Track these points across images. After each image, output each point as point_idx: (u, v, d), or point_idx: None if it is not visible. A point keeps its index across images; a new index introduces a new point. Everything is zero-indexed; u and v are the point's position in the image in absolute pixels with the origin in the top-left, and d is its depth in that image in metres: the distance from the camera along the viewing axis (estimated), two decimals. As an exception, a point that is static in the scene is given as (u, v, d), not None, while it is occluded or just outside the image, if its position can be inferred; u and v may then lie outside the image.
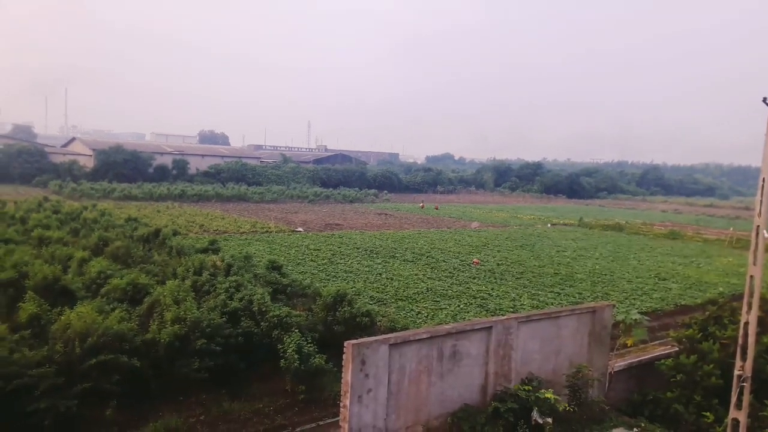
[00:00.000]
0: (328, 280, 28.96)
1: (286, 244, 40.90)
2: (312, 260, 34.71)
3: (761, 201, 10.68)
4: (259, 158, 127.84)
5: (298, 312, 19.29)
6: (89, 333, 14.40)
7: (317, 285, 24.90)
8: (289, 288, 22.79)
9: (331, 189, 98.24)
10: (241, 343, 16.78)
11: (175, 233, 34.91)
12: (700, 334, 16.13)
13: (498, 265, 37.24)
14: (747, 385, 11.16)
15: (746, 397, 11.28)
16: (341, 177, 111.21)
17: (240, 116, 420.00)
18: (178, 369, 15.23)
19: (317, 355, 15.92)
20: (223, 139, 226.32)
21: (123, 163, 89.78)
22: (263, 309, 18.16)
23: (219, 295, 19.25)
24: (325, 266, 32.98)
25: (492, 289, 29.81)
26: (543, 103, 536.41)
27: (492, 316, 22.93)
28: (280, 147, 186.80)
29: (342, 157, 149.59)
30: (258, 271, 24.49)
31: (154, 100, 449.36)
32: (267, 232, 47.59)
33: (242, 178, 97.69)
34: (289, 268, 30.32)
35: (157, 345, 15.42)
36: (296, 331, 16.92)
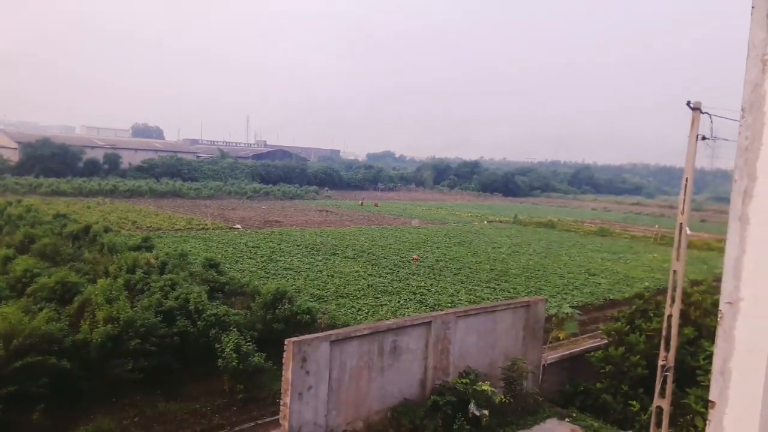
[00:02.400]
0: (268, 277, 28.57)
1: (223, 241, 40.17)
2: (251, 258, 34.22)
3: (684, 199, 11.28)
4: (196, 153, 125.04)
5: (236, 311, 19.02)
6: (14, 334, 13.71)
7: (256, 283, 24.57)
8: (226, 286, 22.42)
9: (270, 185, 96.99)
10: (176, 343, 16.43)
11: (107, 230, 33.78)
12: (628, 326, 16.89)
13: (437, 261, 37.76)
14: (670, 375, 11.78)
15: (669, 386, 11.90)
16: (281, 173, 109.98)
17: (175, 110, 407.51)
18: (111, 370, 14.76)
19: (256, 354, 15.77)
20: (158, 133, 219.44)
21: (51, 156, 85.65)
22: (200, 308, 17.79)
23: (153, 294, 18.74)
24: (265, 264, 32.58)
25: (431, 284, 30.20)
26: (490, 104, 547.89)
27: (431, 311, 23.23)
28: (217, 142, 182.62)
29: (282, 152, 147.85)
30: (194, 269, 23.96)
31: (86, 92, 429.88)
32: (203, 229, 46.64)
33: (177, 173, 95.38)
34: (227, 266, 29.76)
35: (89, 345, 14.89)
36: (234, 329, 16.69)
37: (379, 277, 31.12)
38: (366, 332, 12.40)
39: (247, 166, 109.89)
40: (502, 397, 14.17)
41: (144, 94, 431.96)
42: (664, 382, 12.01)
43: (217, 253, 33.35)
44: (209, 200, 77.87)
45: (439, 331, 13.79)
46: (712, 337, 15.30)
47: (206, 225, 48.62)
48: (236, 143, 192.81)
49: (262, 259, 33.92)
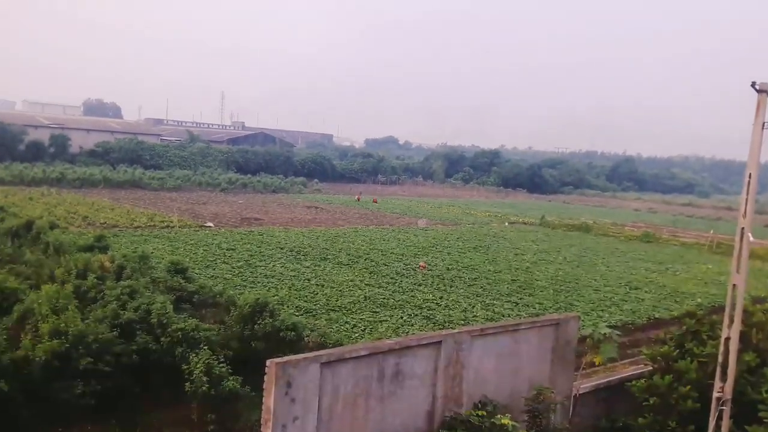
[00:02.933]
0: (245, 286, 28.68)
1: (192, 242, 40.26)
2: (225, 262, 34.32)
3: (746, 200, 11.31)
4: (160, 135, 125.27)
5: (207, 325, 19.05)
6: (-60, 350, 13.74)
7: (231, 292, 24.65)
8: (196, 296, 22.48)
9: (249, 175, 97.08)
10: (136, 363, 16.46)
11: (53, 226, 33.83)
12: (676, 351, 16.85)
13: (448, 269, 37.83)
14: (727, 409, 11.81)
15: (725, 423, 11.93)
16: (262, 161, 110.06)
17: (136, 84, 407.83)
18: (57, 393, 14.79)
19: (231, 377, 15.77)
20: (115, 111, 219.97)
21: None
22: (164, 321, 17.84)
23: (108, 304, 18.78)
24: (242, 270, 32.68)
25: (441, 297, 30.27)
26: (513, 83, 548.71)
27: (441, 329, 23.27)
28: (185, 122, 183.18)
29: (263, 137, 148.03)
30: (157, 275, 24.02)
31: (29, 65, 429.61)
32: (168, 227, 46.77)
33: (138, 159, 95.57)
34: (197, 271, 29.87)
35: (31, 364, 14.93)
36: (205, 347, 16.69)
37: (379, 288, 31.17)
38: (363, 353, 12.39)
39: (222, 152, 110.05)
40: (525, 432, 14.21)
41: (100, 69, 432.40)
42: (720, 417, 12.05)
43: (185, 256, 33.42)
44: (175, 192, 78.03)
45: (450, 353, 13.79)
46: (777, 365, 15.35)
47: (172, 222, 48.70)
48: (208, 125, 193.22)
49: (239, 264, 34.01)
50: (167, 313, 18.23)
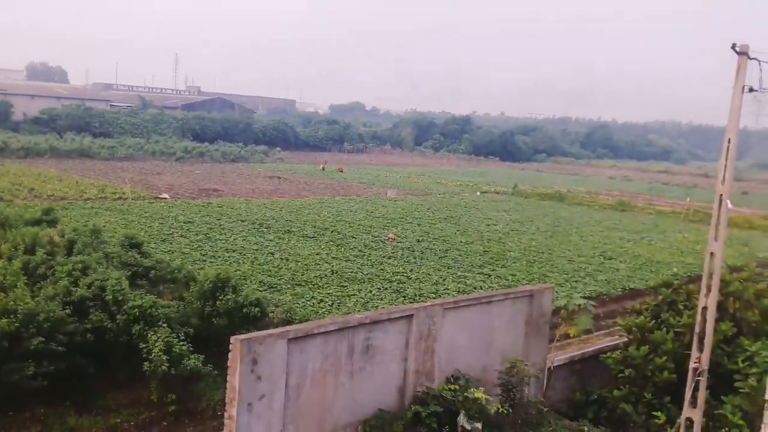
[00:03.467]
0: (205, 261, 28.61)
1: (147, 214, 39.89)
2: (183, 236, 34.14)
3: (725, 166, 11.52)
4: (109, 101, 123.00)
5: (165, 302, 18.94)
6: None
7: (190, 267, 24.49)
8: (153, 271, 22.24)
9: (206, 144, 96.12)
10: (90, 342, 16.31)
11: (-4, 199, 33.05)
12: (652, 321, 17.27)
13: (418, 241, 38.03)
14: (703, 380, 12.16)
15: (702, 394, 12.29)
16: (220, 128, 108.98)
17: (82, 46, 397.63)
18: (7, 376, 14.63)
19: (192, 356, 15.78)
20: (61, 75, 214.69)
21: None
22: (119, 298, 17.68)
23: (60, 281, 18.53)
24: (201, 244, 32.55)
25: (411, 270, 30.47)
26: (486, 46, 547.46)
27: (411, 303, 23.46)
28: (137, 87, 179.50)
29: (221, 102, 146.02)
30: (111, 250, 23.69)
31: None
32: (121, 198, 46.24)
33: (86, 127, 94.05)
34: (152, 245, 29.58)
35: (-23, 346, 14.68)
36: (164, 325, 16.65)
37: (346, 261, 31.27)
38: (332, 328, 12.50)
39: (176, 118, 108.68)
40: (499, 406, 14.46)
41: (42, 28, 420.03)
42: (696, 388, 12.39)
43: (140, 230, 33.07)
44: (127, 162, 77.08)
45: (422, 327, 13.96)
46: (753, 334, 15.84)
47: (124, 194, 48.12)
48: (162, 89, 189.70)
49: (198, 238, 33.86)
50: (123, 289, 18.05)
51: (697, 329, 12.45)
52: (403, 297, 25.79)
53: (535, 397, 15.79)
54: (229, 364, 11.15)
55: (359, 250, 34.13)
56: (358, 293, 25.76)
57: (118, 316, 17.17)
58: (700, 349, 12.28)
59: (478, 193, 69.14)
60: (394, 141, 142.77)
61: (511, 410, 14.75)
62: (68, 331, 15.99)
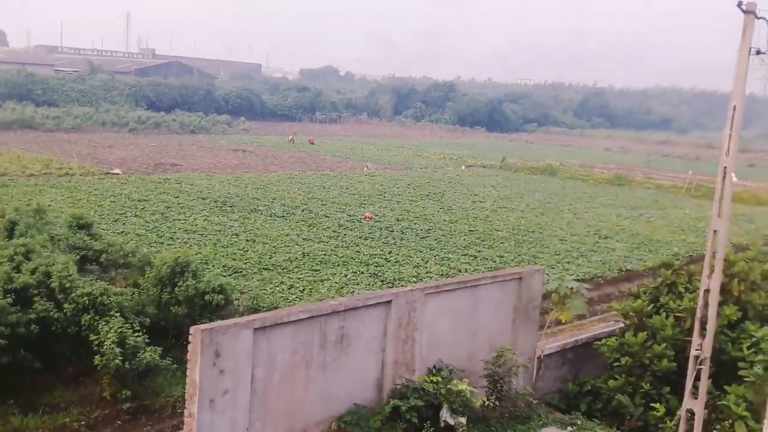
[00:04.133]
0: (162, 243, 28.42)
1: (97, 192, 39.52)
2: (137, 215, 33.90)
3: (730, 136, 11.58)
4: (53, 66, 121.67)
5: (118, 288, 18.77)
6: None
7: (146, 250, 24.26)
8: (104, 255, 22.03)
9: (162, 113, 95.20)
10: (35, 334, 16.13)
11: (-73, 176, 32.56)
12: (651, 306, 17.44)
13: (397, 220, 38.06)
14: (705, 368, 12.31)
15: (704, 383, 12.45)
16: (177, 96, 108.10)
17: (23, 6, 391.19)
18: (-59, 373, 14.46)
19: (148, 348, 15.70)
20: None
21: None
22: (67, 285, 17.48)
23: (0, 266, 18.30)
24: (157, 224, 32.35)
25: (390, 252, 30.51)
26: (471, 3, 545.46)
27: (390, 288, 23.51)
28: (85, 50, 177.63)
29: (178, 66, 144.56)
30: (57, 232, 23.45)
31: None
32: (67, 174, 45.70)
33: (28, 94, 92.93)
34: (104, 226, 29.33)
35: None
36: (117, 315, 16.51)
37: (319, 243, 31.22)
38: (303, 316, 12.45)
39: (129, 85, 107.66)
40: (485, 399, 14.56)
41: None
42: (697, 377, 12.55)
43: (89, 209, 32.71)
44: (75, 134, 76.25)
45: (401, 314, 13.97)
46: (760, 319, 16.06)
47: (71, 169, 47.55)
48: (112, 52, 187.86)
49: (154, 218, 33.65)
50: (70, 275, 17.84)
51: (698, 314, 12.58)
52: (382, 281, 25.81)
53: (523, 389, 15.91)
54: (188, 356, 11.08)
55: (333, 231, 34.08)
56: (332, 278, 25.73)
57: (66, 305, 16.97)
58: (702, 335, 12.42)
59: (463, 167, 69.23)
60: (371, 110, 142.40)
61: (497, 403, 14.85)
62: (10, 322, 15.76)
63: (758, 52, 11.35)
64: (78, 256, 20.80)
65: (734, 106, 11.56)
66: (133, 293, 18.94)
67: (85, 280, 18.25)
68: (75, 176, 45.15)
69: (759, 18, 11.18)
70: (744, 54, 11.37)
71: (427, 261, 29.50)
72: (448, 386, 13.86)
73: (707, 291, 12.38)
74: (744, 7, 11.24)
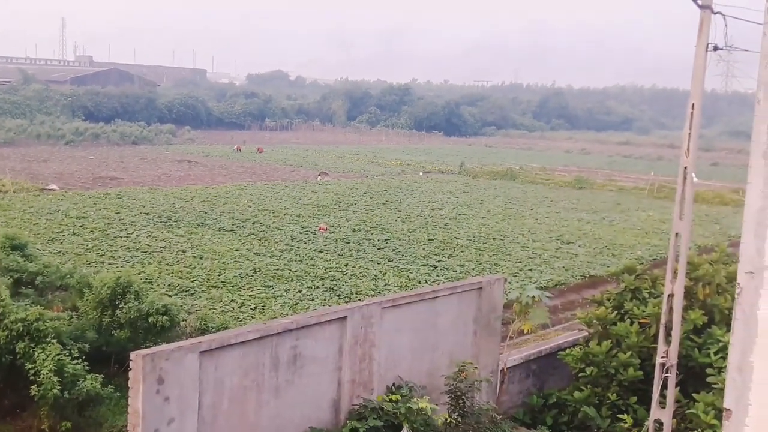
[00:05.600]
0: (102, 263, 28.21)
1: (32, 210, 39.03)
2: (76, 234, 33.61)
3: (689, 135, 11.73)
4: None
5: (55, 313, 18.45)
6: None
7: (85, 271, 24.00)
8: (39, 277, 21.68)
9: (101, 124, 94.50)
10: (-35, 364, 15.79)
11: None
12: (615, 313, 17.58)
13: (354, 231, 38.08)
14: (672, 376, 12.42)
15: (671, 392, 12.56)
16: (117, 105, 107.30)
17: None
18: None
19: (88, 376, 15.45)
20: None
21: None
22: (-1, 311, 17.16)
23: (-75, 292, 17.89)
24: (97, 242, 32.08)
25: (346, 265, 30.50)
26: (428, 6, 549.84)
27: (347, 302, 23.48)
28: (17, 59, 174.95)
29: (117, 74, 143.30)
30: (-12, 253, 23.03)
31: None
32: (0, 191, 44.87)
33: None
34: (39, 246, 28.94)
35: None
36: (54, 341, 16.20)
37: (271, 258, 31.09)
38: (252, 337, 12.32)
39: (65, 94, 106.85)
40: (447, 416, 14.54)
41: None
42: (664, 386, 12.67)
43: (23, 228, 32.27)
44: (7, 148, 75.47)
45: (357, 330, 13.91)
46: (727, 323, 16.27)
47: (4, 186, 46.85)
48: (47, 61, 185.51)
49: (93, 236, 33.35)
50: (3, 300, 17.53)
51: (663, 319, 12.70)
52: (338, 296, 25.80)
53: (487, 404, 15.91)
54: (130, 384, 10.89)
55: (286, 244, 33.99)
56: (285, 294, 25.67)
57: (-2, 333, 16.68)
58: (668, 342, 12.53)
59: (421, 174, 69.62)
60: (324, 116, 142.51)
61: (460, 420, 14.83)
62: (-63, 353, 15.47)
63: (715, 48, 11.51)
64: (11, 280, 20.46)
65: (692, 104, 11.72)
66: (72, 317, 18.67)
67: (19, 305, 17.90)
68: (8, 193, 44.49)
69: (715, 13, 11.32)
70: (701, 50, 11.52)
71: (385, 273, 29.54)
72: (408, 404, 13.81)
73: (671, 296, 12.49)
74: (700, 2, 11.39)
